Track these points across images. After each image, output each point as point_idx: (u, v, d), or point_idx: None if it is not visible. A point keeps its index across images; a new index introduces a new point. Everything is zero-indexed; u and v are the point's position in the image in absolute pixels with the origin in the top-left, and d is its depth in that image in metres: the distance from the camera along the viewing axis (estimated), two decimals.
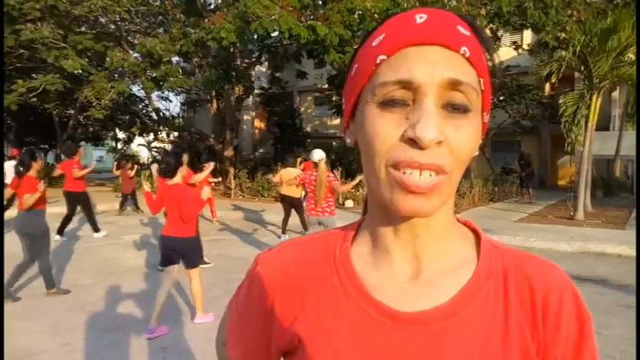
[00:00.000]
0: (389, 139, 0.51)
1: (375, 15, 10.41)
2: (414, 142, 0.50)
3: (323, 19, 10.51)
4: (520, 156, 15.32)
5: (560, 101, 10.56)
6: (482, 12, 10.79)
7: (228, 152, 18.00)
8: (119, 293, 5.31)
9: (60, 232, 8.29)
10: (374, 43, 0.55)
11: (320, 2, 11.08)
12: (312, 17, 10.78)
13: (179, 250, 4.29)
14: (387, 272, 0.59)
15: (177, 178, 4.34)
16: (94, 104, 15.39)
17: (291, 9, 10.48)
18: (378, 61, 0.53)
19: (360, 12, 10.47)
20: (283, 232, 8.67)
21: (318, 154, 5.82)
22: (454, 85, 0.51)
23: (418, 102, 0.51)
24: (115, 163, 13.98)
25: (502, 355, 0.55)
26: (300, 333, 0.59)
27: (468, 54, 0.52)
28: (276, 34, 11.64)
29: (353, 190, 14.41)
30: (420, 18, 0.53)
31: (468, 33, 0.53)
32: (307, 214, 5.81)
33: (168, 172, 4.28)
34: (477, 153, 0.56)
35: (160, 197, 4.43)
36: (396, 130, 0.51)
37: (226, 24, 11.33)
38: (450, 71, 0.51)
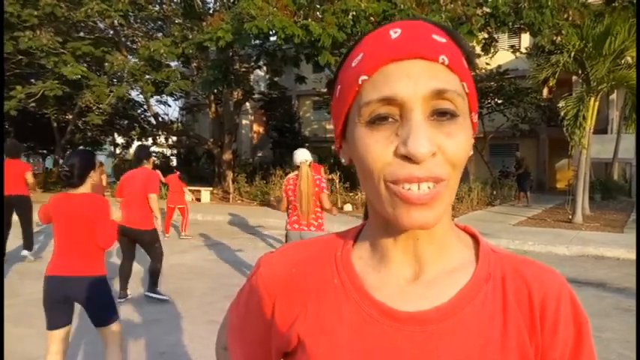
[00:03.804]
0: (382, 157, 0.52)
1: (371, 17, 10.40)
2: (408, 158, 0.50)
3: (317, 20, 10.50)
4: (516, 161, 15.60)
5: (560, 105, 10.58)
6: (479, 12, 10.77)
7: (227, 156, 18.00)
8: (117, 298, 5.28)
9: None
10: (353, 64, 0.55)
11: (317, 6, 11.09)
12: (306, 18, 10.77)
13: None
14: (388, 274, 0.60)
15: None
16: (93, 109, 15.38)
17: (287, 13, 10.49)
18: (360, 82, 0.53)
19: (354, 13, 10.45)
20: None
21: (299, 156, 4.38)
22: (439, 94, 0.51)
23: (405, 117, 0.51)
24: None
25: (500, 357, 0.55)
26: (300, 333, 0.60)
27: (447, 62, 0.52)
28: (273, 38, 11.67)
29: (352, 194, 14.41)
30: (395, 33, 0.53)
31: (444, 40, 0.54)
32: (288, 228, 4.46)
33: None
34: (471, 152, 0.57)
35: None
36: (387, 147, 0.52)
37: (223, 24, 11.39)
38: (433, 81, 0.51)
